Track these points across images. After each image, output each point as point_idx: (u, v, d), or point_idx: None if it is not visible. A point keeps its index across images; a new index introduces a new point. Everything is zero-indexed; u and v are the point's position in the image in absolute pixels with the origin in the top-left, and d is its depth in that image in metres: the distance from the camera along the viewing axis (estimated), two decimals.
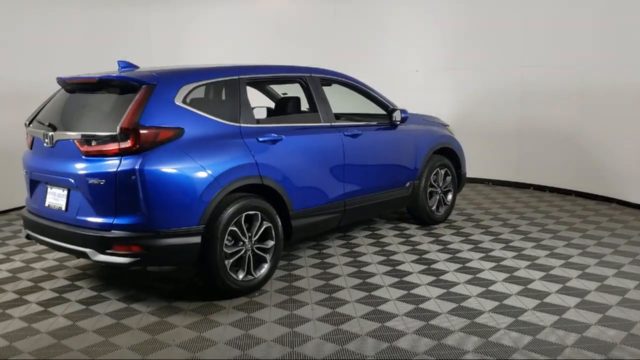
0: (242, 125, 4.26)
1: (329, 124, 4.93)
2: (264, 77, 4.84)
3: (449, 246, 5.34)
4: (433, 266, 4.79)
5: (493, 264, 4.80)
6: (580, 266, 4.70)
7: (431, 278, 4.51)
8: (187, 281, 4.61)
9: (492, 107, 8.21)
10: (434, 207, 6.06)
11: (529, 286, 4.29)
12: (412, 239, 5.62)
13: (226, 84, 4.36)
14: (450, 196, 6.27)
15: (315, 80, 4.97)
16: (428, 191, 5.96)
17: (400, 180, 5.64)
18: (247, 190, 4.24)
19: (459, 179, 6.42)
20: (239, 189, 4.14)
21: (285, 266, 4.86)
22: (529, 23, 7.69)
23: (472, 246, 5.32)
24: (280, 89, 6.21)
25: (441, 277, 4.52)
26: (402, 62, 8.85)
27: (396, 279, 4.49)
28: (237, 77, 4.38)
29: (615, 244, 5.29)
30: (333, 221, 4.96)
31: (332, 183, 4.84)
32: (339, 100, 5.84)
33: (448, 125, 6.56)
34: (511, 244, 5.35)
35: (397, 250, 5.23)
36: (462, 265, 4.80)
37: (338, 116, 5.94)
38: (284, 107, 5.06)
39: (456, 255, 5.07)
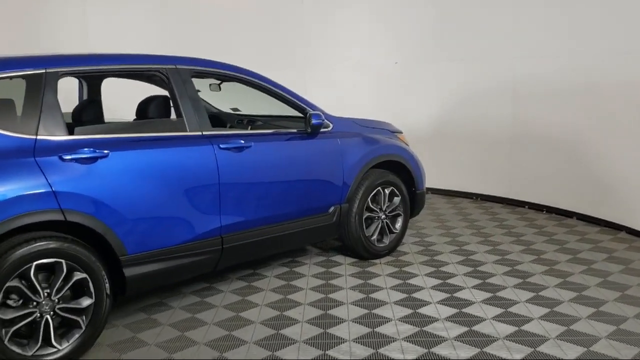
0: (39, 137, 3.07)
1: (199, 132, 3.67)
2: (90, 71, 3.59)
3: (372, 295, 4.01)
4: (331, 330, 3.48)
5: (415, 330, 3.45)
6: (534, 340, 3.30)
7: (316, 353, 3.21)
8: None
9: (479, 107, 6.77)
10: (374, 237, 4.73)
11: None
12: (333, 281, 4.31)
13: (26, 81, 3.16)
14: (400, 222, 4.92)
15: (183, 75, 3.72)
16: (364, 216, 4.64)
17: (319, 204, 4.34)
18: (47, 229, 3.05)
19: (414, 200, 5.05)
20: (25, 228, 2.95)
21: (139, 323, 3.65)
22: (522, 3, 6.21)
23: (404, 296, 3.97)
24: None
25: (330, 352, 3.21)
26: (376, 54, 7.48)
27: (267, 353, 3.22)
28: (41, 72, 3.18)
29: (601, 301, 3.84)
30: (203, 264, 3.72)
31: (198, 213, 3.59)
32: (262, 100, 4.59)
33: (401, 132, 5.20)
34: (457, 294, 3.98)
35: (300, 302, 3.94)
36: (370, 330, 3.48)
37: (254, 120, 4.72)
38: (143, 112, 3.83)
39: (373, 311, 3.75)
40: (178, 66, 3.73)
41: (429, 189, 7.36)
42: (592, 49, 5.56)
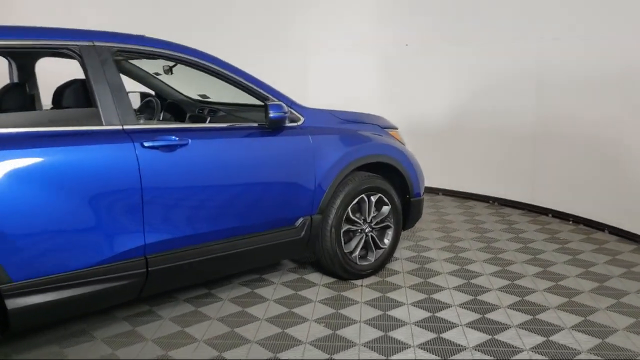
0: None
1: (119, 127, 2.93)
2: None
3: (340, 332, 3.24)
4: None
5: None
6: None
7: None
8: None
9: (499, 98, 5.87)
10: (355, 254, 3.94)
11: None
12: (298, 309, 3.55)
13: None
14: (389, 235, 4.11)
15: (102, 54, 2.97)
16: (343, 229, 3.85)
17: (282, 215, 3.57)
18: None
19: (408, 209, 4.24)
20: None
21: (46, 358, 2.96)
22: None
23: (379, 335, 3.18)
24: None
25: None
26: (384, 35, 6.61)
27: None
28: None
29: (631, 353, 2.97)
30: (122, 291, 2.99)
31: (111, 229, 2.86)
32: None
33: (395, 129, 4.37)
34: (446, 335, 3.17)
35: (249, 338, 3.19)
36: None
37: (216, 110, 3.98)
38: (59, 100, 3.12)
39: (335, 357, 2.97)
40: (96, 43, 2.97)
41: (439, 190, 6.53)
42: (633, 30, 4.61)
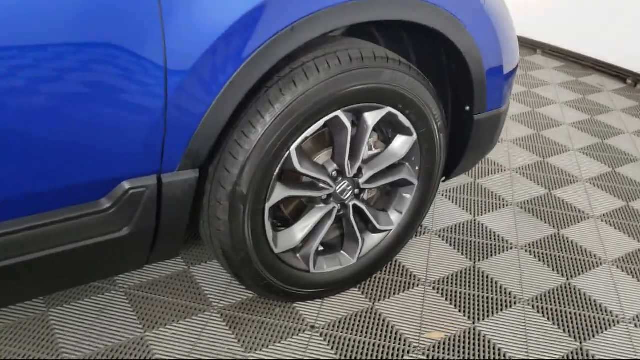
0: None
1: None
2: None
3: None
4: None
5: None
6: None
7: None
8: None
9: None
10: (311, 249, 1.55)
11: None
12: None
13: None
14: (405, 202, 1.68)
15: None
16: (273, 202, 1.42)
17: (53, 181, 1.14)
18: None
19: (466, 136, 1.72)
20: None
21: None
22: None
23: None
24: None
25: None
26: None
27: None
28: None
29: None
30: None
31: None
32: None
33: None
34: None
35: None
36: None
37: None
38: None
39: None
40: None
41: (537, 46, 3.81)
42: None
